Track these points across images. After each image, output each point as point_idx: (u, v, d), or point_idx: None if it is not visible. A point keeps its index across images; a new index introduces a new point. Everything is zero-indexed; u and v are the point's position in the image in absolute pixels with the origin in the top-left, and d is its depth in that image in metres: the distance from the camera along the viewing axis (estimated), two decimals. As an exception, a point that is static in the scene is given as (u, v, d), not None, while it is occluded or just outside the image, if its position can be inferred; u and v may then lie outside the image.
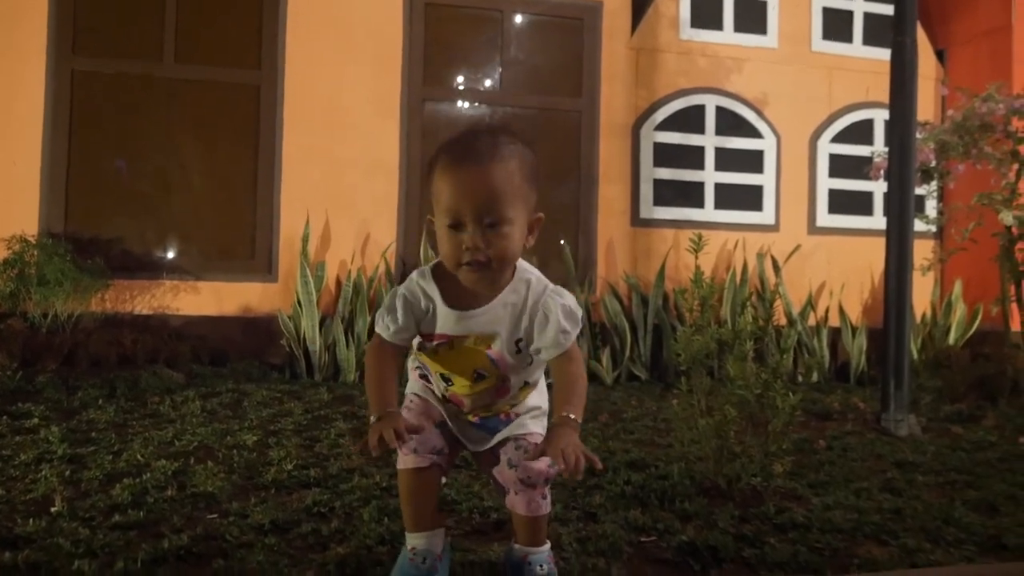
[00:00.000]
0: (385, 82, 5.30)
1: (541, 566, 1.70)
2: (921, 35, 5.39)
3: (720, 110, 5.80)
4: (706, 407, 2.54)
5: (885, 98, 3.92)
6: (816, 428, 3.71)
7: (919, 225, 4.55)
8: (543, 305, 1.62)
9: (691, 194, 5.76)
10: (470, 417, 1.77)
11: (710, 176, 5.78)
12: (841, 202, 6.00)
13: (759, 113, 5.86)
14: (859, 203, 6.03)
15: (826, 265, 5.92)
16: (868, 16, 6.03)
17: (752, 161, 5.86)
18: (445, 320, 1.64)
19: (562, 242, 5.41)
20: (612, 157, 5.64)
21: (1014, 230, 4.68)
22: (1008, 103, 4.60)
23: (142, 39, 5.06)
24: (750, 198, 5.85)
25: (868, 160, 5.35)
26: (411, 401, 1.78)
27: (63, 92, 4.91)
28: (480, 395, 1.72)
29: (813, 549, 2.02)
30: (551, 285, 1.65)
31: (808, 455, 3.09)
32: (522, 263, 1.66)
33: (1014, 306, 4.81)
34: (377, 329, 1.67)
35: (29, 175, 4.83)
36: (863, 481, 2.71)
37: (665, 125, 5.72)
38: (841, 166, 5.98)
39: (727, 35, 5.81)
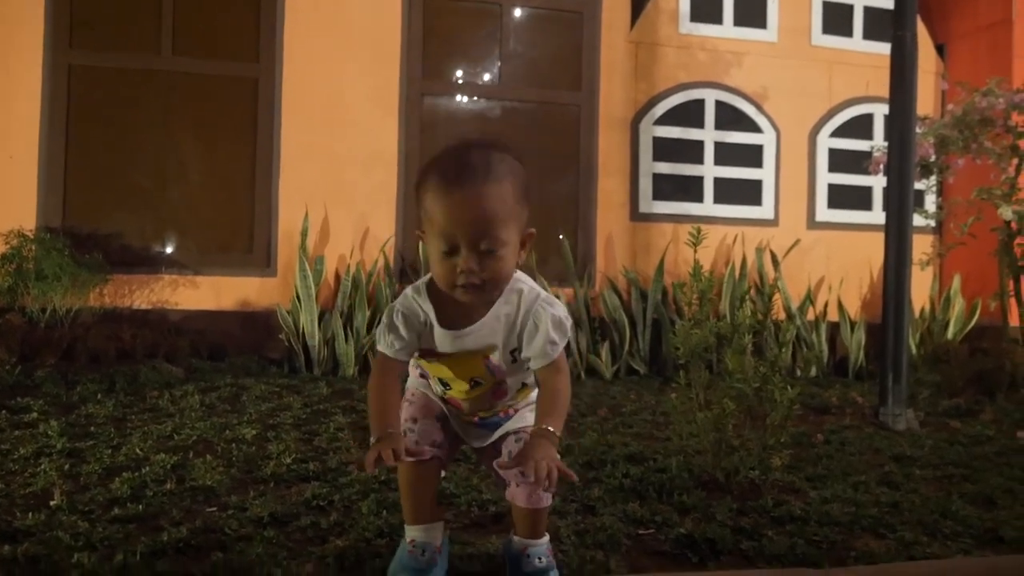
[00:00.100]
0: (384, 76, 5.29)
1: (540, 558, 1.70)
2: (921, 29, 5.38)
3: (720, 104, 5.80)
4: (704, 401, 2.55)
5: (885, 92, 3.92)
6: (814, 422, 3.72)
7: (918, 220, 4.56)
8: (533, 314, 1.61)
9: (690, 188, 5.75)
10: (470, 418, 1.78)
11: (709, 170, 5.78)
12: (840, 197, 6.00)
13: (758, 107, 5.85)
14: (858, 198, 6.03)
15: (825, 260, 5.92)
16: (868, 10, 6.02)
17: (751, 155, 5.85)
18: (442, 339, 1.65)
19: (561, 237, 5.41)
20: (611, 151, 5.64)
21: (1013, 225, 4.68)
22: (1008, 98, 4.60)
23: (139, 33, 5.05)
24: (749, 193, 5.84)
25: (868, 155, 5.34)
26: (412, 394, 1.79)
27: (60, 86, 4.90)
28: (478, 399, 1.74)
29: (811, 542, 2.03)
30: (543, 294, 1.64)
31: (806, 449, 3.10)
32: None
33: (1013, 301, 4.81)
34: (380, 348, 1.66)
35: (27, 170, 4.83)
36: (861, 475, 2.72)
37: (664, 119, 5.72)
38: (840, 161, 5.98)
39: (727, 29, 5.80)
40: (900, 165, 3.76)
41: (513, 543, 1.75)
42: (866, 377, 5.36)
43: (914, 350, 5.35)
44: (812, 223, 5.94)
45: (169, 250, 5.09)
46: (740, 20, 5.83)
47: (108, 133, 5.03)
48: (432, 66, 5.45)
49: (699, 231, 2.65)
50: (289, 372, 4.76)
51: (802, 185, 5.94)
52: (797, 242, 5.79)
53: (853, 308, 5.88)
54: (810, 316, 5.63)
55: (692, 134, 5.76)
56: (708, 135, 5.78)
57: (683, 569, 1.86)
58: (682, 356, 2.57)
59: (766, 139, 5.88)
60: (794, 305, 5.57)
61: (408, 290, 1.66)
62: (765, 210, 5.86)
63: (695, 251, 2.65)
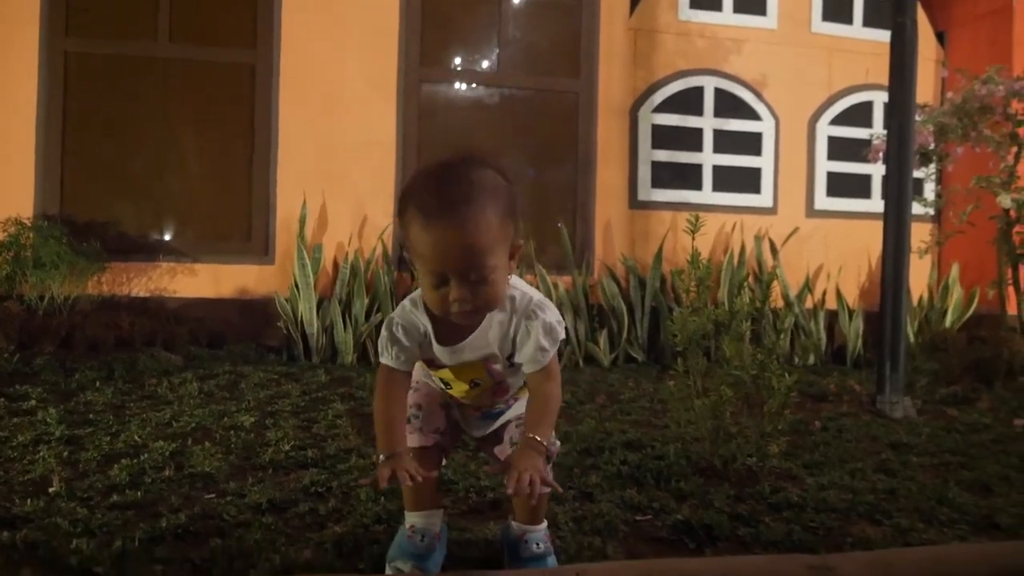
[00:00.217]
0: (382, 62, 5.28)
1: (538, 544, 1.71)
2: (921, 17, 5.36)
3: (719, 92, 5.78)
4: (702, 388, 2.55)
5: (885, 80, 3.91)
6: (812, 410, 3.72)
7: (917, 208, 4.55)
8: (526, 321, 1.61)
9: (689, 176, 5.75)
10: (473, 410, 1.80)
11: (708, 158, 5.77)
12: (839, 185, 5.99)
13: (758, 95, 5.84)
14: (857, 186, 6.02)
15: (824, 248, 5.92)
16: (868, -3, 6.01)
17: (750, 143, 5.84)
18: (440, 353, 1.65)
19: (559, 224, 5.41)
20: (610, 139, 5.63)
21: (1012, 213, 4.68)
22: (1008, 85, 4.59)
23: (136, 19, 5.02)
24: (748, 181, 5.84)
25: (867, 143, 5.34)
26: (417, 382, 1.80)
27: (56, 73, 4.88)
28: (478, 397, 1.75)
29: (807, 528, 2.04)
30: (535, 299, 1.63)
31: (803, 436, 3.10)
32: None
33: (1011, 289, 4.81)
34: (383, 360, 1.66)
35: (24, 158, 4.81)
36: (858, 462, 2.73)
37: (663, 107, 5.70)
38: (840, 149, 5.97)
39: (726, 16, 5.78)
40: (899, 153, 3.75)
41: (511, 529, 1.75)
42: (864, 365, 5.37)
43: (912, 338, 5.36)
44: (811, 211, 5.93)
45: (167, 238, 5.09)
46: (739, 7, 5.81)
47: (105, 120, 5.02)
48: (430, 53, 5.43)
49: (697, 219, 2.65)
50: (287, 360, 4.77)
51: (801, 173, 5.93)
52: (796, 230, 5.78)
53: (851, 296, 5.88)
54: (808, 304, 5.63)
55: (691, 122, 5.74)
56: (707, 123, 5.77)
57: (680, 555, 1.87)
58: (680, 343, 2.57)
59: (765, 127, 5.86)
60: (792, 293, 5.57)
61: (406, 302, 1.65)
62: (764, 198, 5.85)
63: (693, 239, 2.65)
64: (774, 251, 5.65)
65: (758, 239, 5.68)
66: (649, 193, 5.67)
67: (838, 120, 5.98)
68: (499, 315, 1.60)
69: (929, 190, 5.74)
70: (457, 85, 5.58)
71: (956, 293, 5.75)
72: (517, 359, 1.64)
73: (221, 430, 2.91)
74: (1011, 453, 2.93)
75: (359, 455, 2.57)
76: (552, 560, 1.71)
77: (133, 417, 3.07)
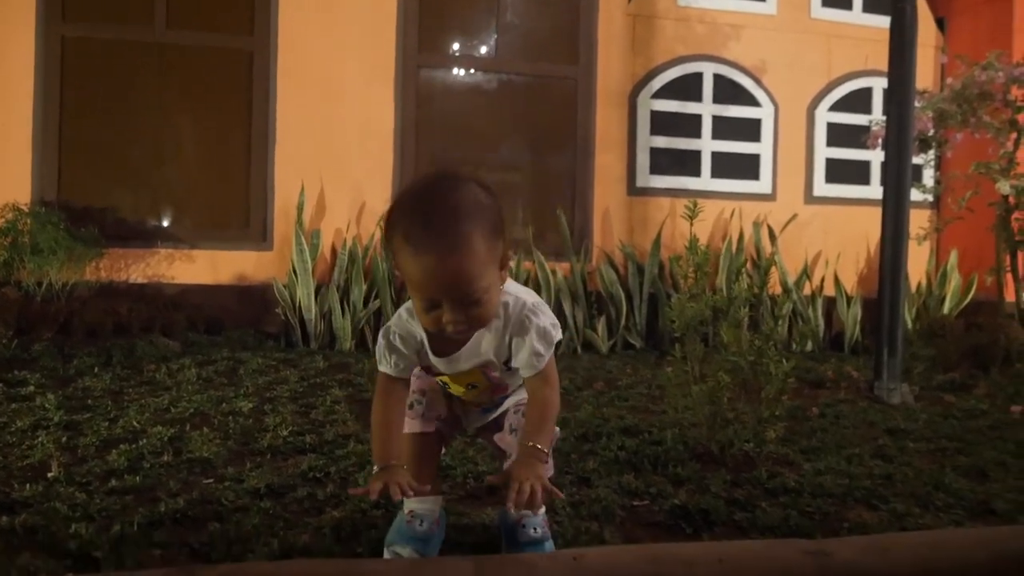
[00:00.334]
0: (380, 48, 5.25)
1: (535, 529, 1.71)
2: (921, 3, 5.35)
3: (718, 78, 5.77)
4: (700, 374, 2.55)
5: (884, 66, 3.89)
6: (809, 396, 3.73)
7: (916, 194, 4.54)
8: (520, 326, 1.61)
9: (688, 163, 5.74)
10: (472, 405, 1.82)
11: (707, 145, 5.75)
12: (838, 171, 5.98)
13: (757, 81, 5.82)
14: (856, 172, 6.02)
15: (822, 234, 5.92)
16: (868, -17, 5.98)
17: (749, 130, 5.83)
18: (436, 363, 1.67)
19: (558, 211, 5.40)
20: (608, 125, 5.61)
21: (1011, 199, 4.67)
22: (1008, 71, 4.57)
23: (133, 4, 5.00)
24: (747, 167, 5.83)
25: (866, 129, 5.33)
26: (420, 369, 1.80)
27: (53, 59, 4.86)
28: (477, 396, 1.77)
29: (804, 513, 2.04)
30: (529, 302, 1.63)
31: (801, 422, 3.11)
32: None
33: (1009, 276, 4.82)
34: (381, 368, 1.66)
35: (21, 143, 4.80)
36: (855, 447, 2.73)
37: (662, 93, 5.69)
38: (839, 135, 5.96)
39: (725, 1, 5.76)
40: (898, 139, 3.74)
41: (509, 514, 1.76)
42: (862, 352, 5.38)
43: (910, 325, 5.37)
44: (810, 198, 5.93)
45: (165, 224, 5.09)
46: (739, -8, 5.79)
47: (103, 106, 5.00)
48: (428, 38, 5.41)
49: (696, 205, 2.65)
50: (286, 346, 4.77)
51: (800, 159, 5.92)
52: (794, 217, 5.78)
53: (850, 283, 5.89)
54: (806, 291, 5.63)
55: (690, 108, 5.73)
56: (706, 109, 5.75)
57: (677, 540, 1.87)
58: (678, 329, 2.58)
59: (764, 113, 5.85)
60: (791, 279, 5.58)
61: (402, 311, 1.65)
62: (763, 184, 5.85)
63: (692, 225, 2.65)
64: (773, 237, 5.64)
65: (757, 225, 5.67)
66: (648, 179, 5.66)
67: (837, 106, 5.97)
68: (493, 322, 1.59)
69: (928, 176, 5.74)
70: (455, 71, 5.56)
71: (954, 280, 5.76)
72: (514, 364, 1.64)
73: (219, 416, 2.92)
74: (1007, 439, 2.93)
75: (357, 441, 2.58)
76: (549, 545, 1.71)
77: (131, 403, 3.08)
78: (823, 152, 5.95)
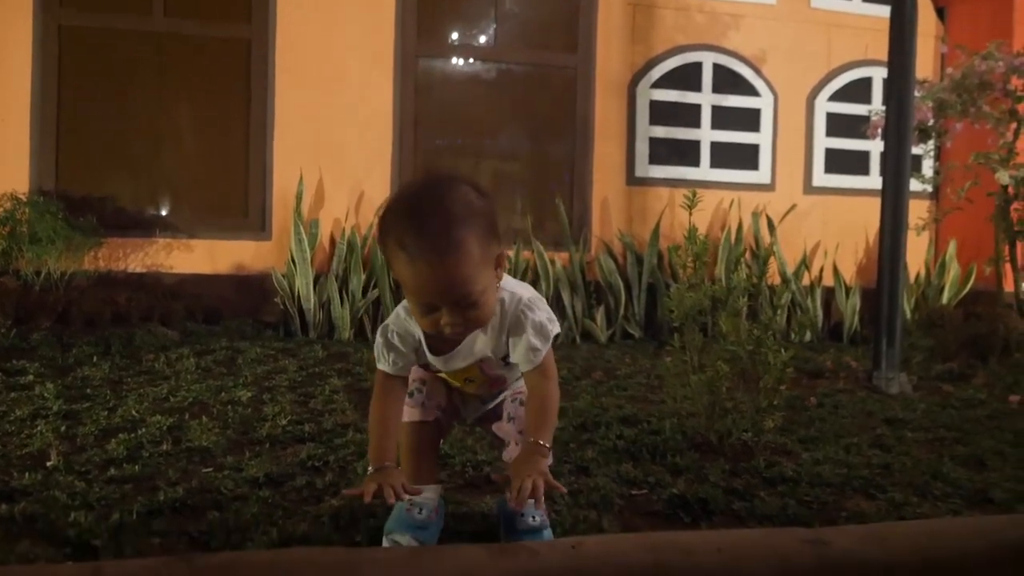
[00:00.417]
0: (378, 37, 5.23)
1: (534, 517, 1.71)
2: (921, -9, 5.31)
3: (717, 67, 5.75)
4: (698, 364, 2.56)
5: (884, 56, 3.88)
6: (808, 386, 3.74)
7: (915, 185, 4.54)
8: (516, 321, 1.61)
9: (687, 153, 5.72)
10: (471, 396, 1.83)
11: (706, 134, 5.74)
12: (838, 161, 5.97)
13: (757, 71, 5.80)
14: (856, 162, 6.01)
15: (821, 225, 5.92)
16: (868, -28, 5.96)
17: (749, 119, 5.82)
18: (433, 361, 1.68)
19: (557, 201, 5.39)
20: (608, 115, 5.60)
21: (1010, 190, 4.67)
22: (1008, 61, 4.56)
23: (131, -8, 4.98)
24: (746, 157, 5.82)
25: (866, 119, 5.32)
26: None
27: (50, 48, 4.83)
28: (476, 389, 1.78)
29: (802, 502, 2.05)
30: (524, 298, 1.63)
31: (799, 412, 3.12)
32: None
33: (1008, 266, 4.82)
34: (380, 367, 1.67)
35: (18, 132, 4.78)
36: (853, 437, 2.74)
37: (662, 82, 5.67)
38: (838, 125, 5.94)
39: (725, -9, 5.74)
40: (898, 129, 3.73)
41: (507, 500, 1.76)
42: (860, 342, 5.39)
43: (908, 315, 5.37)
44: (809, 188, 5.92)
45: (163, 213, 5.08)
46: (739, -19, 5.76)
47: (100, 95, 4.98)
48: (427, 27, 5.39)
49: (695, 194, 2.65)
50: (285, 336, 4.77)
51: (799, 149, 5.91)
52: (793, 207, 5.77)
53: (848, 273, 5.89)
54: (805, 281, 5.63)
55: (689, 97, 5.71)
56: (705, 98, 5.74)
57: (676, 529, 1.88)
58: (676, 319, 2.58)
59: (764, 103, 5.84)
60: (789, 270, 5.58)
61: (400, 310, 1.66)
62: (762, 175, 5.84)
63: (691, 214, 2.65)
64: (771, 228, 5.64)
65: (756, 216, 5.67)
66: (647, 169, 5.65)
67: (837, 96, 5.95)
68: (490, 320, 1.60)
69: (927, 166, 5.72)
70: (454, 60, 5.54)
71: (953, 270, 5.76)
72: (512, 359, 1.65)
73: (218, 405, 2.92)
74: (1006, 429, 2.94)
75: (356, 430, 2.58)
76: (548, 533, 1.72)
77: (130, 392, 3.08)
78: (822, 142, 5.94)
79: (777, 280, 5.52)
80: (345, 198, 5.17)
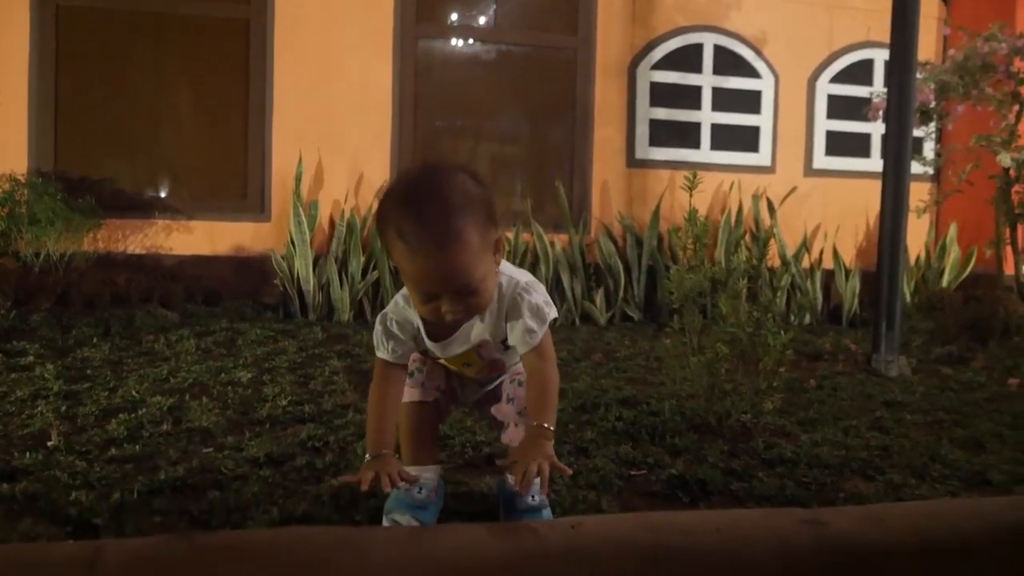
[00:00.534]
0: (378, 18, 5.20)
1: (533, 496, 1.72)
2: (924, -28, 5.28)
3: (718, 49, 5.72)
4: (698, 345, 2.56)
5: (886, 38, 3.86)
6: (807, 368, 3.74)
7: (916, 167, 4.52)
8: (513, 304, 1.62)
9: (687, 135, 5.70)
10: (470, 380, 1.84)
11: (707, 116, 5.72)
12: (838, 144, 5.95)
13: (758, 52, 5.77)
14: (856, 145, 5.99)
15: (822, 207, 5.90)
16: (871, -48, 5.91)
17: (749, 101, 5.79)
18: (432, 348, 1.68)
19: (557, 183, 5.38)
20: (608, 96, 5.57)
21: (1012, 172, 4.66)
22: (1010, 43, 4.53)
23: (128, -28, 4.94)
24: (747, 139, 5.80)
25: (867, 101, 5.29)
26: None
27: (48, 29, 4.81)
28: (476, 373, 1.78)
29: (800, 483, 2.05)
30: (521, 282, 1.63)
31: (798, 394, 3.12)
32: None
33: (1008, 249, 4.81)
34: (379, 354, 1.67)
35: (17, 114, 4.76)
36: (852, 419, 2.74)
37: (662, 64, 5.64)
38: (839, 107, 5.92)
39: (727, -29, 5.70)
40: (899, 111, 3.72)
41: (507, 482, 1.77)
42: (860, 325, 5.39)
43: (908, 297, 5.38)
44: (809, 170, 5.90)
45: (162, 194, 5.06)
46: (741, -38, 5.72)
47: (98, 76, 4.96)
48: (426, 9, 5.35)
49: (695, 176, 2.64)
50: (284, 317, 4.77)
51: (800, 132, 5.89)
52: (794, 189, 5.76)
53: (848, 256, 5.88)
54: (805, 263, 5.63)
55: (690, 79, 5.69)
56: (706, 80, 5.71)
57: (674, 509, 1.89)
58: (676, 301, 2.58)
59: (764, 85, 5.81)
60: (789, 252, 5.57)
61: (399, 298, 1.66)
62: (762, 157, 5.82)
63: (691, 196, 2.64)
64: (772, 210, 5.63)
65: (756, 198, 5.66)
66: (647, 151, 5.64)
67: (838, 78, 5.93)
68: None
69: (929, 149, 5.71)
70: (454, 41, 5.51)
71: (953, 252, 5.75)
72: (510, 342, 1.66)
73: (218, 386, 2.93)
74: (1004, 411, 2.94)
75: (356, 410, 2.59)
76: (547, 513, 1.72)
77: (130, 373, 3.08)
78: (823, 124, 5.92)
79: (777, 262, 5.52)
80: (344, 180, 5.16)
